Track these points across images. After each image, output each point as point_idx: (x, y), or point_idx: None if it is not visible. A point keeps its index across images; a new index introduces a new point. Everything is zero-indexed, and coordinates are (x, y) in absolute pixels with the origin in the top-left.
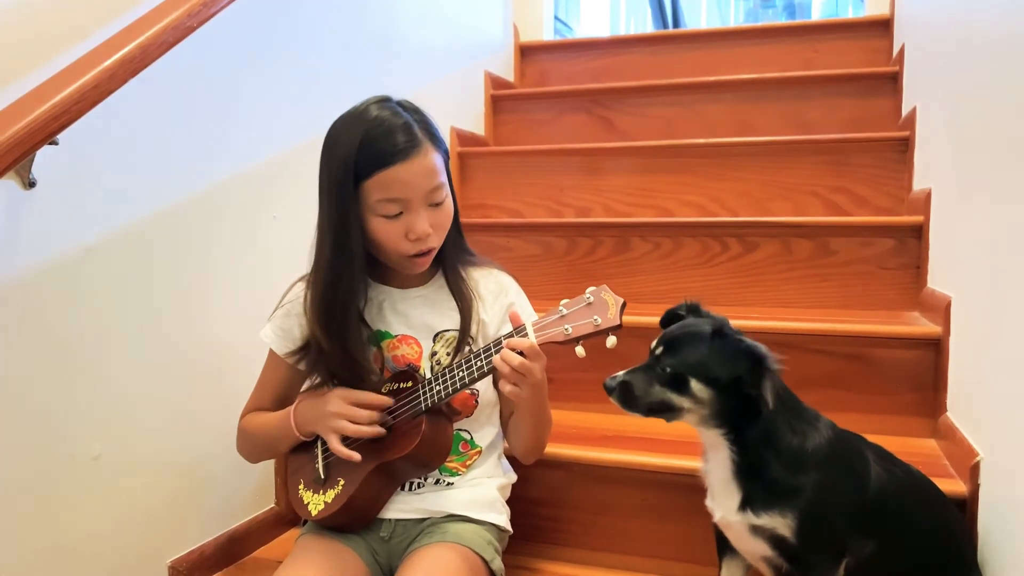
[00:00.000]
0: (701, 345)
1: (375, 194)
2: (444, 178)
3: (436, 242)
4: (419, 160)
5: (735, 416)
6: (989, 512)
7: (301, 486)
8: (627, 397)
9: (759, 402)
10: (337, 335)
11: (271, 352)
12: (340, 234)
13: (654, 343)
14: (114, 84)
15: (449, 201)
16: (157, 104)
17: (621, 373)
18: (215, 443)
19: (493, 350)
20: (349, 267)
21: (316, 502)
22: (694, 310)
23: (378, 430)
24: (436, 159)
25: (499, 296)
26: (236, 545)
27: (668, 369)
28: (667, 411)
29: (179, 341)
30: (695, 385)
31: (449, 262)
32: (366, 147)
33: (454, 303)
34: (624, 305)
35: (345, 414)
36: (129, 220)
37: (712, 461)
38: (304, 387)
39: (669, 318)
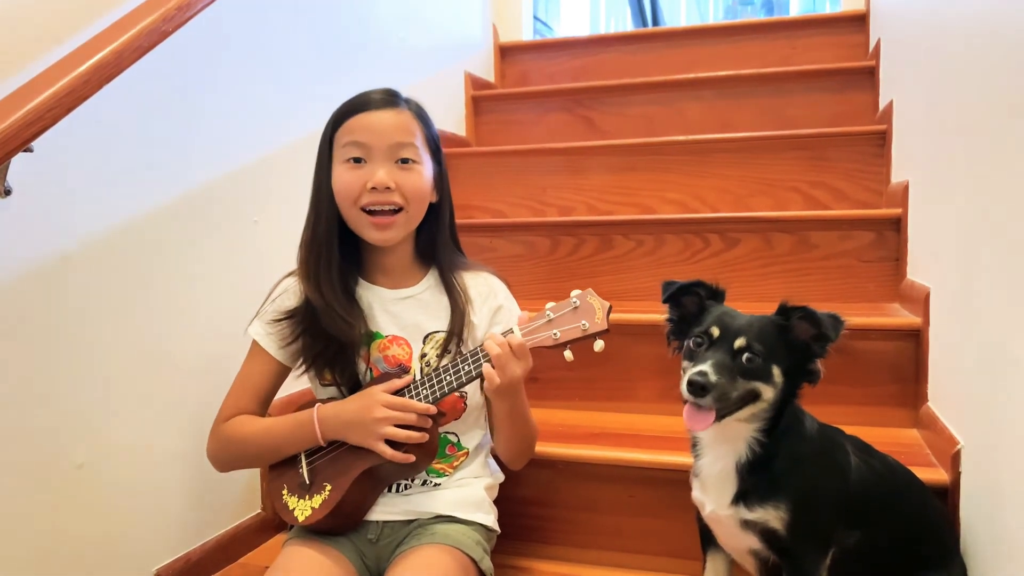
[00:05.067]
0: (773, 329)
1: (341, 139)
2: (418, 143)
3: (401, 205)
4: (389, 112)
5: (783, 405)
6: (970, 500)
7: (285, 492)
8: (722, 394)
9: (813, 376)
10: (315, 281)
11: (254, 349)
12: (317, 186)
13: (718, 332)
14: (89, 90)
15: (421, 171)
16: (133, 110)
17: (706, 368)
18: (200, 450)
19: (481, 355)
20: (323, 221)
21: (303, 507)
22: (719, 295)
23: (425, 435)
24: (412, 124)
25: (487, 299)
26: (223, 552)
27: (758, 359)
28: (739, 407)
29: (161, 347)
30: (775, 370)
31: (442, 263)
32: (348, 103)
33: (444, 304)
34: (610, 309)
35: (394, 418)
36: (107, 227)
37: (711, 456)
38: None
39: (680, 291)
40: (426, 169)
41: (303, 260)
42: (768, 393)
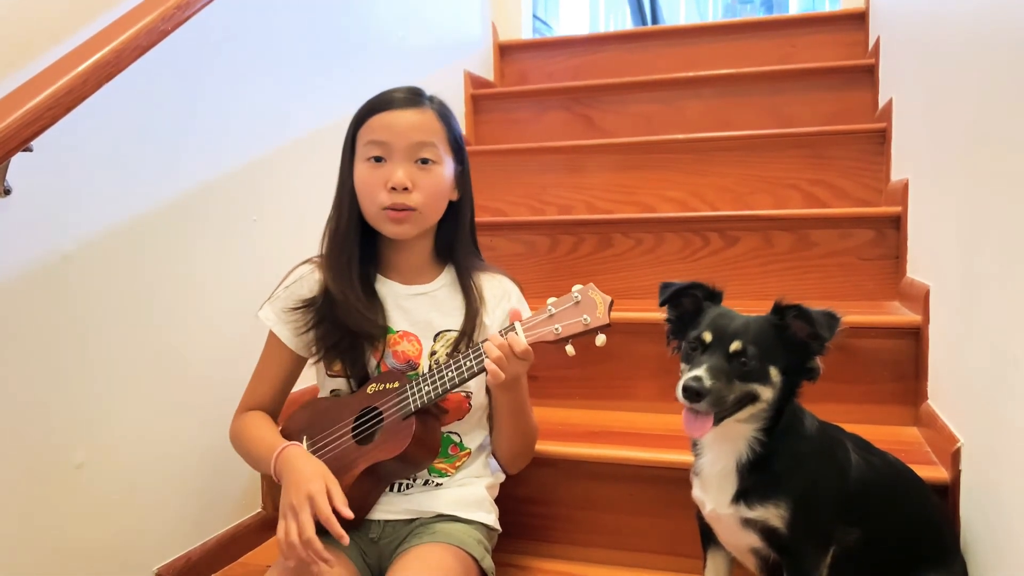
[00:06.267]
0: (769, 329)
1: (364, 137)
2: (439, 143)
3: (416, 206)
4: (412, 112)
5: (782, 404)
6: (970, 497)
7: None
8: (718, 399)
9: (812, 374)
10: (335, 274)
11: (270, 341)
12: (340, 182)
13: (711, 337)
14: (88, 89)
15: (440, 171)
16: (132, 109)
17: (700, 373)
18: (200, 448)
19: (483, 352)
20: (345, 216)
21: None
22: (716, 297)
23: (340, 532)
24: (434, 123)
25: (501, 301)
26: (223, 551)
27: (753, 362)
28: (737, 409)
29: (160, 346)
30: (773, 371)
31: (460, 263)
32: (372, 100)
33: (458, 304)
34: (612, 303)
35: (299, 519)
36: (107, 226)
37: (711, 456)
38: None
39: (677, 293)
40: (446, 169)
41: (326, 253)
42: (766, 394)
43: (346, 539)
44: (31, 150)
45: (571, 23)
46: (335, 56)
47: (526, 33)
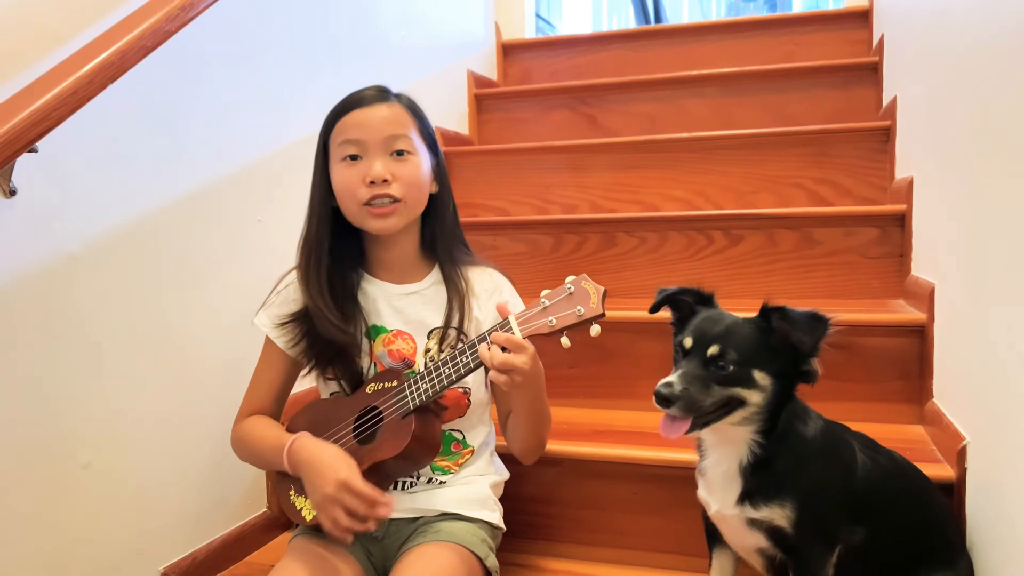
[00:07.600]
0: (754, 332)
1: (337, 138)
2: (412, 135)
3: (400, 196)
4: (382, 107)
5: (777, 407)
6: (976, 495)
7: (292, 492)
8: (691, 404)
9: (809, 377)
10: (306, 284)
11: (267, 346)
12: (315, 188)
13: (690, 343)
14: (93, 90)
15: (417, 161)
16: (137, 109)
17: (672, 379)
18: (206, 449)
19: (478, 345)
20: (315, 221)
21: (309, 507)
22: (707, 300)
23: (370, 526)
24: (404, 116)
25: (493, 294)
26: (229, 550)
27: (732, 367)
28: (724, 413)
29: (167, 347)
30: (758, 375)
31: (443, 255)
32: (340, 103)
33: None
34: (605, 293)
35: (344, 504)
36: (112, 227)
37: (714, 457)
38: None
39: (666, 299)
40: (423, 160)
41: (299, 263)
42: (754, 398)
43: (371, 526)
44: (36, 151)
45: (574, 22)
46: (339, 54)
47: (529, 32)
